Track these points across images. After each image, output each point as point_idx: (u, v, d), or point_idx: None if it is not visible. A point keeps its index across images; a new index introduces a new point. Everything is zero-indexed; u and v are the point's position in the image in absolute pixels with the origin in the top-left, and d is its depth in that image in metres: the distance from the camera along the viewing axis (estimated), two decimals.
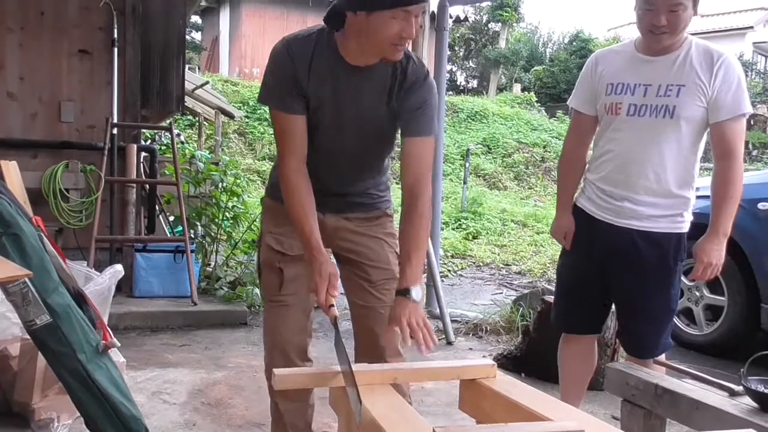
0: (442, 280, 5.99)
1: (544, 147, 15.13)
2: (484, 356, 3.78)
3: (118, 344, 2.34)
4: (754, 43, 26.30)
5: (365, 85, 1.79)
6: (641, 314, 2.23)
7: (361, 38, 1.69)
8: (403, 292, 1.73)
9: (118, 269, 2.73)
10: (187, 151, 5.92)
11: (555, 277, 6.58)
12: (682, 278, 4.13)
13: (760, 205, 3.82)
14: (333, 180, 1.90)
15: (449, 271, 6.87)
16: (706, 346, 4.04)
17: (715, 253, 2.07)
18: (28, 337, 2.14)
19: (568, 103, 2.34)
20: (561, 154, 2.38)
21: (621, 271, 2.21)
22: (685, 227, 2.17)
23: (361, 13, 1.64)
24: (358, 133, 1.84)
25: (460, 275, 6.80)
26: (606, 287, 2.29)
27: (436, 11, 4.56)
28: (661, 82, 2.06)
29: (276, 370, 1.45)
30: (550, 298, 3.55)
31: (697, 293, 4.14)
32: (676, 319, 4.24)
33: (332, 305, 1.64)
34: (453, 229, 9.13)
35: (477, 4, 19.51)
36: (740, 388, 1.85)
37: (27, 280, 1.93)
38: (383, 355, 1.95)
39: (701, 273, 2.12)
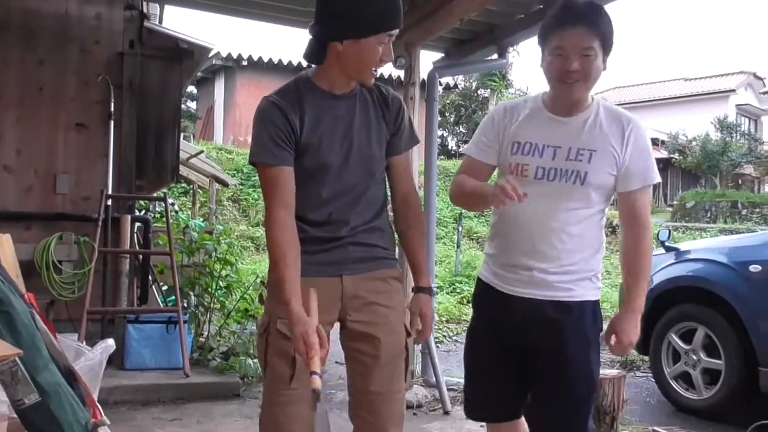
0: (437, 347, 5.93)
1: None
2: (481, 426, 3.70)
3: (108, 422, 2.30)
4: (737, 105, 26.97)
5: (355, 111, 1.85)
6: (563, 393, 1.92)
7: (346, 65, 1.77)
8: (425, 290, 1.93)
9: (109, 344, 2.70)
10: (180, 221, 5.94)
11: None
12: (678, 341, 4.17)
13: (752, 268, 3.85)
14: (345, 220, 1.86)
15: (444, 336, 6.80)
16: (706, 410, 3.99)
17: (634, 331, 1.90)
18: (16, 416, 2.10)
19: (463, 151, 2.11)
20: (452, 188, 2.05)
21: (535, 346, 1.95)
22: (599, 294, 1.98)
23: (348, 41, 1.73)
24: (362, 162, 1.86)
25: (456, 341, 6.73)
26: (519, 366, 2.00)
27: (426, 81, 4.67)
28: (571, 144, 1.89)
29: None
30: None
31: (694, 357, 4.12)
32: (674, 384, 4.21)
33: (315, 373, 1.58)
34: (447, 293, 9.08)
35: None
36: None
37: (17, 358, 1.91)
38: None
39: (618, 352, 1.96)
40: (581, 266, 1.92)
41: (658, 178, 1.93)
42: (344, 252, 1.86)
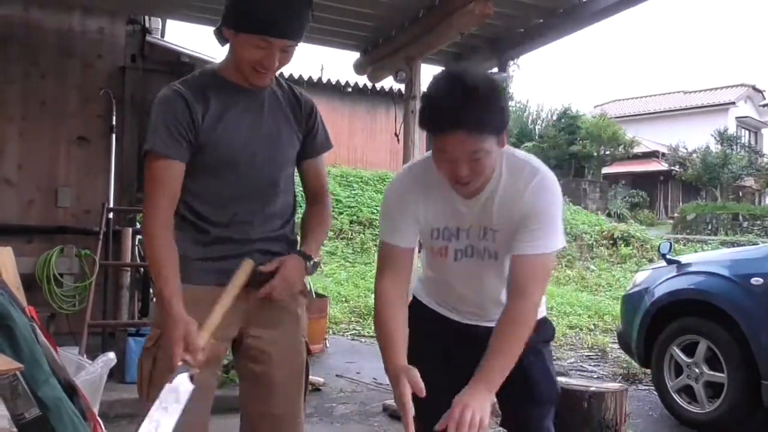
0: None
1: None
2: None
3: None
4: (737, 117, 27.07)
5: (264, 107, 1.77)
6: (526, 393, 1.83)
7: (233, 56, 1.71)
8: (301, 254, 1.77)
9: (110, 357, 2.70)
10: None
11: (553, 355, 6.46)
12: (681, 354, 4.15)
13: (753, 281, 3.84)
14: (251, 221, 1.75)
15: None
16: (709, 424, 3.96)
17: (480, 411, 1.46)
18: (16, 431, 2.10)
19: (384, 240, 1.77)
20: (376, 301, 1.73)
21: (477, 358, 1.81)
22: (540, 313, 1.80)
23: (229, 30, 1.66)
24: (271, 161, 1.76)
25: None
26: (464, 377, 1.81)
27: None
28: (479, 223, 1.73)
29: None
30: None
31: (697, 370, 4.10)
32: (677, 397, 4.19)
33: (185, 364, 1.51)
34: None
35: None
36: None
37: (18, 373, 1.91)
38: None
39: (453, 427, 1.45)
40: None
41: (558, 245, 1.66)
42: (247, 254, 1.73)
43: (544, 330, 1.89)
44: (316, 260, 1.84)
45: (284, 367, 1.79)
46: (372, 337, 6.21)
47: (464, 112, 1.49)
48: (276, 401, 1.78)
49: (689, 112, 27.19)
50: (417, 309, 1.90)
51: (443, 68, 1.65)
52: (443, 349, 1.87)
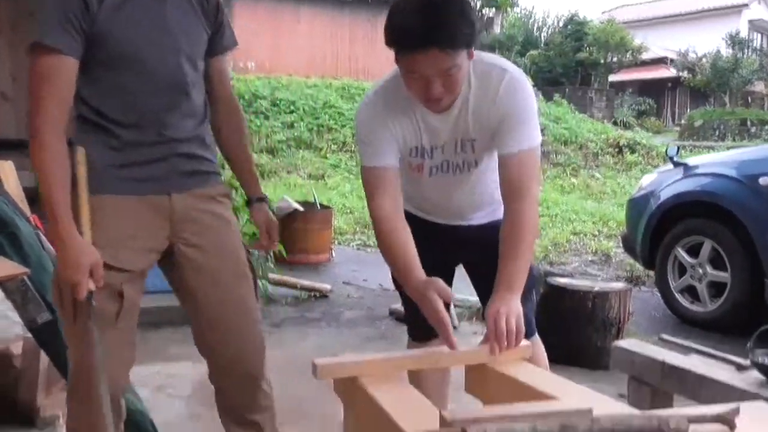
0: None
1: (542, 130, 15.04)
2: None
3: None
4: (750, 20, 26.21)
5: (174, 2, 1.61)
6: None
7: None
8: (261, 200, 1.82)
9: None
10: None
11: (557, 260, 6.48)
12: (685, 255, 4.18)
13: (761, 180, 3.81)
14: (163, 122, 1.61)
15: None
16: (711, 322, 4.04)
17: (512, 314, 1.47)
18: (30, 335, 2.14)
19: (368, 164, 1.70)
20: (378, 227, 1.70)
21: (465, 260, 1.96)
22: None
23: None
24: (178, 55, 1.61)
25: None
26: (449, 280, 1.91)
27: None
28: (455, 137, 1.70)
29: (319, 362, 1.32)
30: (554, 280, 3.55)
31: (700, 270, 4.14)
32: (680, 297, 4.25)
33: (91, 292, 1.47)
34: None
35: None
36: (747, 362, 1.84)
37: (26, 278, 1.92)
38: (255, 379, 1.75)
39: (493, 346, 1.43)
40: (491, 201, 1.87)
41: (536, 140, 1.65)
42: (169, 165, 1.62)
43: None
44: (263, 197, 1.86)
45: (227, 274, 1.70)
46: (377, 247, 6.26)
47: (437, 28, 1.44)
48: (224, 309, 1.70)
49: (700, 15, 26.31)
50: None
51: None
52: (430, 249, 1.80)
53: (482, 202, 1.89)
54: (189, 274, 1.68)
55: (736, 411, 1.03)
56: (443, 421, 1.03)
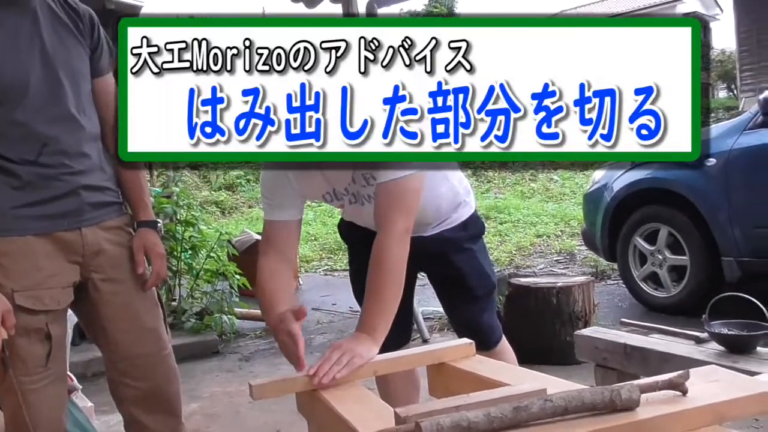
0: None
1: None
2: None
3: (79, 387, 2.28)
4: (685, 14, 27.05)
5: (38, 17, 1.53)
6: (466, 294, 1.90)
7: None
8: (148, 223, 1.72)
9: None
10: None
11: (522, 263, 6.52)
12: (644, 243, 4.24)
13: (707, 162, 3.90)
14: (66, 151, 1.56)
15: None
16: (676, 306, 4.09)
17: (353, 354, 1.42)
18: None
19: (267, 218, 1.71)
20: (258, 276, 1.67)
21: (428, 267, 1.93)
22: (467, 213, 1.88)
23: None
24: (67, 78, 1.55)
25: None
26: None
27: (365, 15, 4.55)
28: (354, 176, 1.68)
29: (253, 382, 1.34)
30: (518, 281, 3.57)
31: (660, 256, 4.20)
32: (643, 285, 4.31)
33: None
34: None
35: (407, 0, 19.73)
36: (705, 335, 1.87)
37: None
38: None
39: (316, 372, 1.39)
40: (437, 216, 1.84)
41: (405, 170, 1.56)
42: (79, 199, 1.58)
43: (471, 226, 1.90)
44: (158, 222, 1.81)
45: (138, 306, 1.69)
46: (345, 270, 6.22)
47: None
48: (140, 341, 1.68)
49: (639, 13, 27.11)
50: (346, 227, 1.99)
51: None
52: None
53: (425, 217, 1.80)
54: (103, 307, 1.65)
55: (686, 375, 1.04)
56: (398, 419, 1.01)
